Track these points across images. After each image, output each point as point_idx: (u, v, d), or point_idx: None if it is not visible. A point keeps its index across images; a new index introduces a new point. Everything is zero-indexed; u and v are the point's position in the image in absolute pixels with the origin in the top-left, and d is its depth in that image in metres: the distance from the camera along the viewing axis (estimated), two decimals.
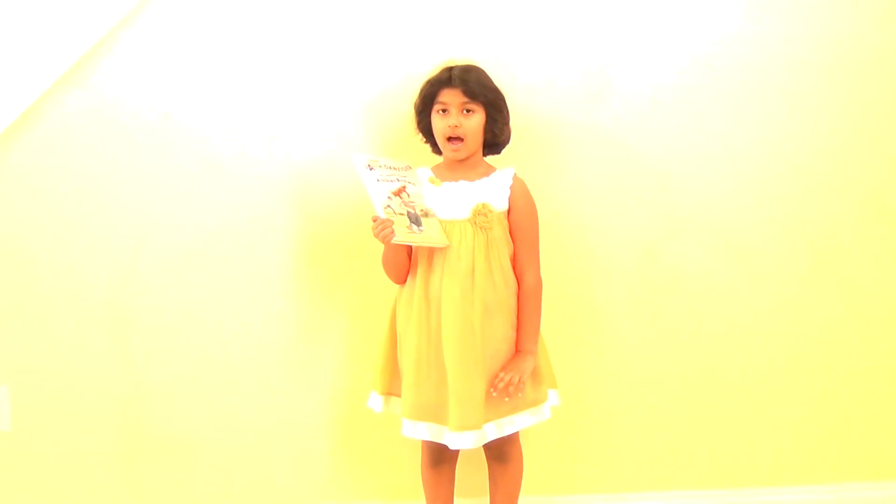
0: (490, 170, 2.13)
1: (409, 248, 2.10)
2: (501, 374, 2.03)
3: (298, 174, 2.36)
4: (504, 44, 2.35)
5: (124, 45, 2.32)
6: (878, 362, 2.48)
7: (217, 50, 2.34)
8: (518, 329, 2.09)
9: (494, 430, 2.04)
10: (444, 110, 2.07)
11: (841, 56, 2.40)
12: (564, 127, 2.37)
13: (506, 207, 2.08)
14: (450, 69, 2.08)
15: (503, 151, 2.17)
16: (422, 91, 2.11)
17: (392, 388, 2.15)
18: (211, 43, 2.34)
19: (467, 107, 2.06)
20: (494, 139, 2.11)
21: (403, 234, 1.99)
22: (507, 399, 2.04)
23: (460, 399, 1.99)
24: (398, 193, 2.03)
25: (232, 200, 2.37)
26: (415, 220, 2.02)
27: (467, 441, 1.99)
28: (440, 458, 2.18)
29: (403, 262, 2.12)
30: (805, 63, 2.40)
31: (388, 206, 2.00)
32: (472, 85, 2.04)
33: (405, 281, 2.13)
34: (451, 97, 2.06)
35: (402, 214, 2.01)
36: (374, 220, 1.99)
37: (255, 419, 2.43)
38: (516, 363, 2.05)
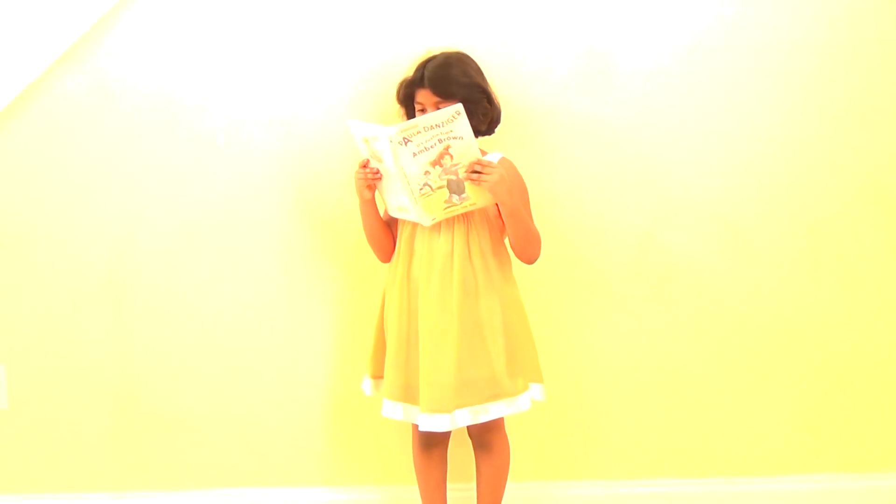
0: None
1: (391, 219, 2.11)
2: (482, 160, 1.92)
3: (296, 155, 2.37)
4: (502, 29, 2.34)
5: (124, 25, 2.33)
6: (876, 350, 2.46)
7: (216, 28, 2.34)
8: None
9: (468, 416, 2.02)
10: (422, 110, 2.06)
11: (840, 40, 2.38)
12: (561, 114, 2.36)
13: None
14: (423, 66, 2.06)
15: (497, 134, 2.16)
16: (399, 91, 2.11)
17: (381, 371, 2.15)
18: (210, 21, 2.34)
19: (440, 106, 2.02)
20: (478, 127, 2.09)
21: (440, 212, 1.94)
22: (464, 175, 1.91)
23: (430, 381, 2.00)
24: (441, 158, 1.91)
25: (229, 180, 2.38)
26: (456, 187, 1.94)
27: (437, 424, 1.99)
28: (430, 442, 2.18)
29: (381, 234, 2.12)
30: (804, 48, 2.38)
31: (426, 183, 1.91)
32: (443, 85, 2.02)
33: (389, 259, 2.15)
34: (424, 97, 2.05)
35: (442, 187, 1.93)
36: (364, 167, 2.00)
37: (250, 399, 2.45)
38: (499, 170, 1.93)
